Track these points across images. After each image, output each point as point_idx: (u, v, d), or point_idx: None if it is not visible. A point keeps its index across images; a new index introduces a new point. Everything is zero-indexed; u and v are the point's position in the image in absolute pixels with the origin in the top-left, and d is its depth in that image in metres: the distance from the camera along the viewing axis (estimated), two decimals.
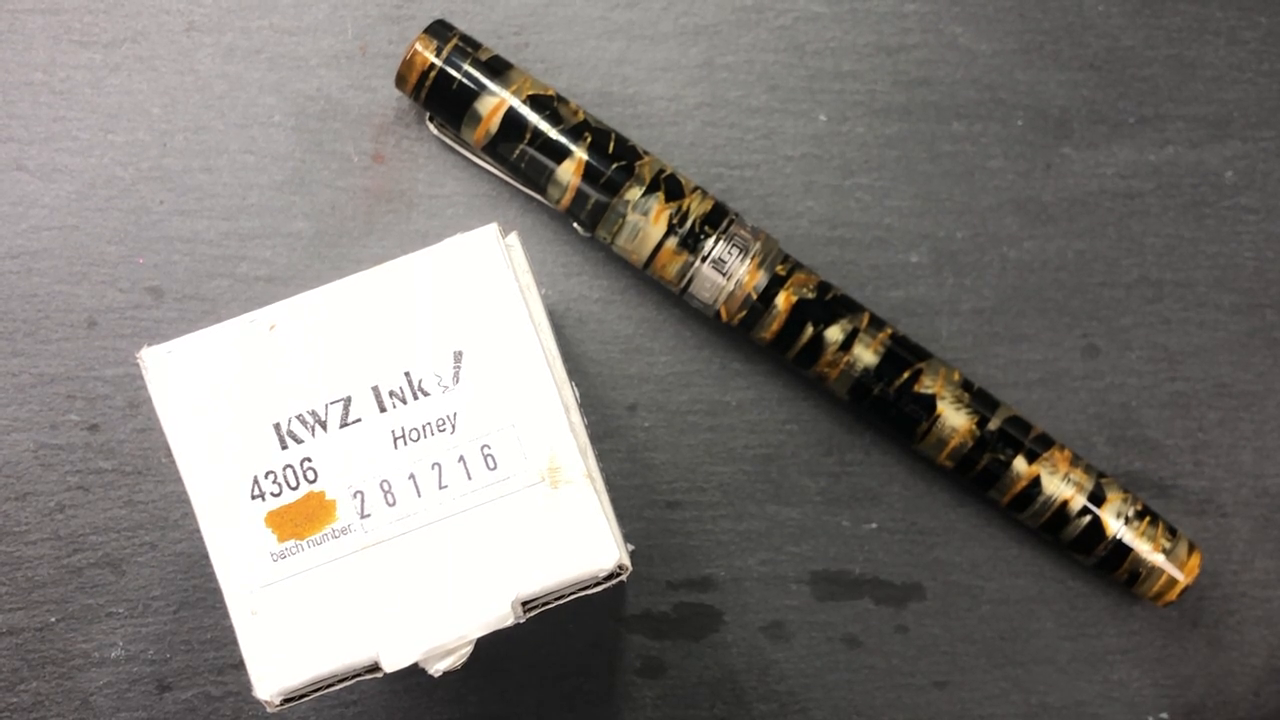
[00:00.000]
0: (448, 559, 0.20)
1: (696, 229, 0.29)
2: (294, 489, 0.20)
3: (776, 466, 0.31)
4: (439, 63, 0.30)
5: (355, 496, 0.20)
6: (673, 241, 0.29)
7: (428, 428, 0.21)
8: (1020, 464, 0.29)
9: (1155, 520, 0.30)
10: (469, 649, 0.20)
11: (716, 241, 0.29)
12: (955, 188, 0.33)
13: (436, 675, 0.20)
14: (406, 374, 0.21)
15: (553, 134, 0.29)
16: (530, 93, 0.30)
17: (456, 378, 0.21)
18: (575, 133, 0.29)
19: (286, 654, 0.20)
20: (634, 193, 0.29)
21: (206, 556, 0.20)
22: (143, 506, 0.30)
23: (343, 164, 0.31)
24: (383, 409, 0.21)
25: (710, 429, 0.31)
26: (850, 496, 0.31)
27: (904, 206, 0.32)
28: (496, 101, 0.29)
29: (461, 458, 0.20)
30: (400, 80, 0.30)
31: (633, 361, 0.32)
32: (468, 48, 0.30)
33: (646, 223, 0.29)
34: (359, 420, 0.21)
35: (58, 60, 0.31)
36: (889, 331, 0.30)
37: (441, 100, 0.30)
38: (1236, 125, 0.33)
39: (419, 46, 0.30)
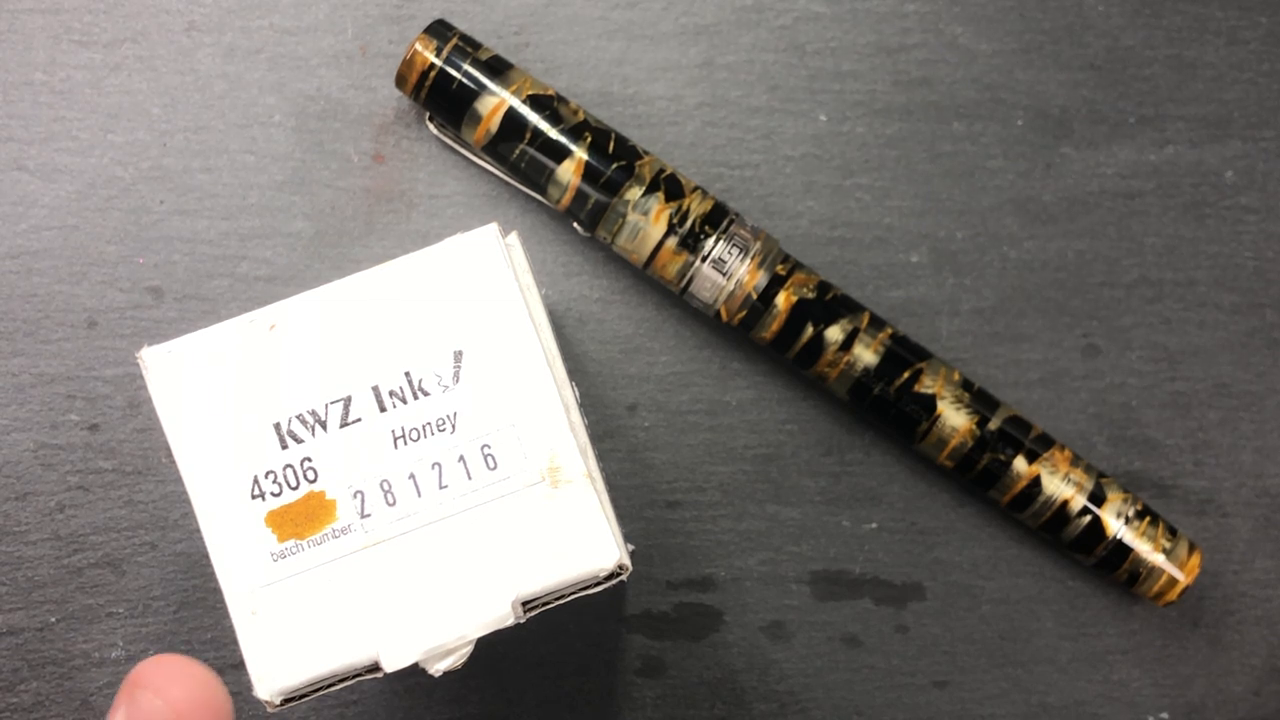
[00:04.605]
0: (448, 559, 0.20)
1: (696, 229, 0.29)
2: (294, 489, 0.20)
3: (776, 466, 0.31)
4: (439, 63, 0.30)
5: (355, 496, 0.20)
6: (673, 241, 0.29)
7: (428, 427, 0.21)
8: (1020, 464, 0.29)
9: (1155, 520, 0.30)
10: (469, 649, 0.20)
11: (716, 241, 0.29)
12: (955, 188, 0.33)
13: (437, 675, 0.20)
14: (406, 374, 0.21)
15: (553, 134, 0.29)
16: (530, 93, 0.30)
17: (456, 377, 0.21)
18: (575, 133, 0.29)
19: (286, 654, 0.20)
20: (634, 193, 0.29)
21: (206, 556, 0.20)
22: (143, 506, 0.30)
23: (343, 164, 0.31)
24: (383, 409, 0.21)
25: (710, 429, 0.31)
26: (850, 496, 0.31)
27: (904, 206, 0.32)
28: (496, 101, 0.29)
29: (462, 457, 0.20)
30: (400, 80, 0.30)
31: (633, 361, 0.32)
32: (468, 48, 0.30)
33: (646, 222, 0.29)
34: (359, 420, 0.21)
35: (58, 60, 0.31)
36: (889, 331, 0.30)
37: (441, 100, 0.30)
38: (1236, 125, 0.33)
39: (419, 46, 0.30)
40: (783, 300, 0.29)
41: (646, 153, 0.30)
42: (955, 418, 0.30)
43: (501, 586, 0.20)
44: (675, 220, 0.29)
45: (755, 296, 0.29)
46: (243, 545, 0.20)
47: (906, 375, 0.30)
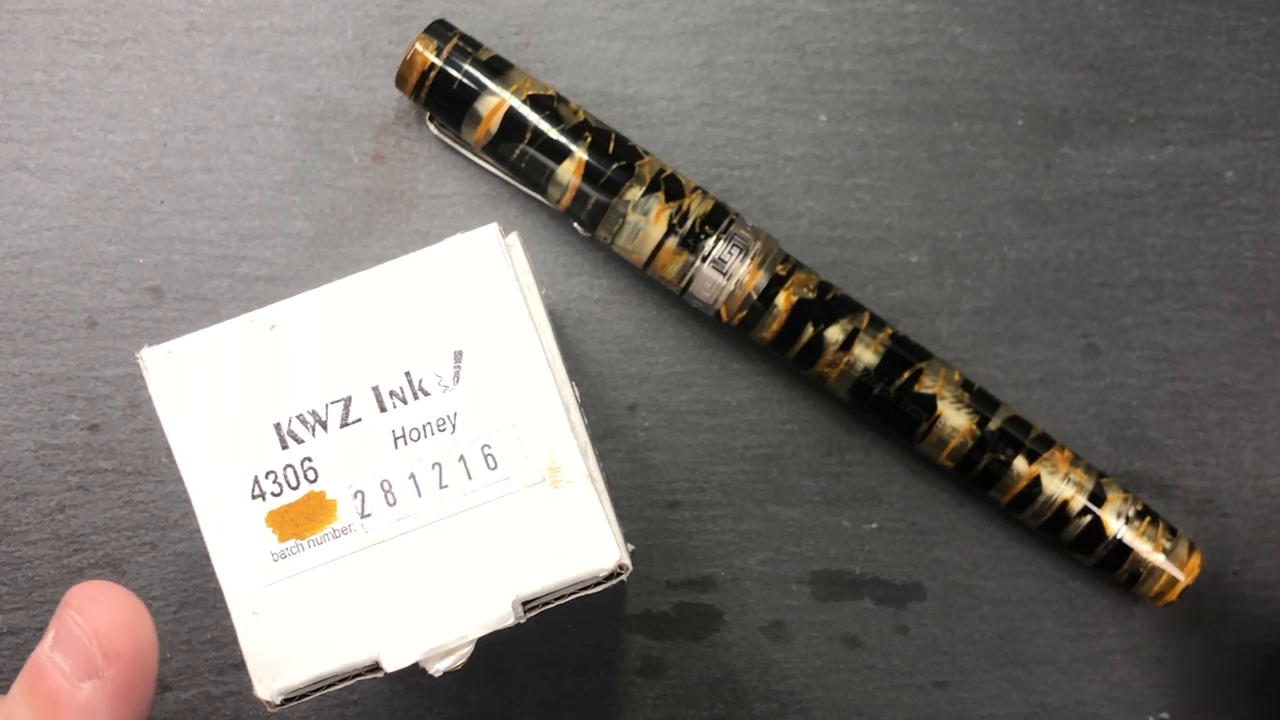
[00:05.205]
0: (448, 559, 0.20)
1: (697, 229, 0.29)
2: (294, 489, 0.20)
3: (776, 466, 0.31)
4: (439, 63, 0.30)
5: (356, 496, 0.20)
6: (673, 241, 0.29)
7: (428, 427, 0.21)
8: (1020, 464, 0.29)
9: (1155, 520, 0.30)
10: (469, 649, 0.20)
11: (717, 241, 0.29)
12: (955, 188, 0.33)
13: (437, 675, 0.20)
14: (407, 374, 0.21)
15: (553, 134, 0.29)
16: (530, 93, 0.30)
17: (457, 378, 0.21)
18: (575, 133, 0.30)
19: (286, 654, 0.20)
20: (634, 193, 0.29)
21: (206, 556, 0.20)
22: (143, 506, 0.30)
23: (343, 164, 0.31)
24: (383, 409, 0.21)
25: (710, 429, 0.31)
26: (850, 496, 0.31)
27: (904, 206, 0.32)
28: (497, 101, 0.29)
29: (462, 457, 0.20)
30: (400, 80, 0.30)
31: (633, 361, 0.32)
32: (468, 48, 0.30)
33: (647, 223, 0.29)
34: (359, 420, 0.21)
35: (58, 60, 0.31)
36: (889, 331, 0.30)
37: (442, 100, 0.30)
38: (1236, 125, 0.33)
39: (419, 46, 0.30)
40: (783, 300, 0.29)
41: (646, 153, 0.30)
42: (955, 418, 0.30)
43: (501, 586, 0.20)
44: (675, 220, 0.29)
45: (755, 296, 0.29)
46: (243, 545, 0.20)
47: (906, 375, 0.30)
